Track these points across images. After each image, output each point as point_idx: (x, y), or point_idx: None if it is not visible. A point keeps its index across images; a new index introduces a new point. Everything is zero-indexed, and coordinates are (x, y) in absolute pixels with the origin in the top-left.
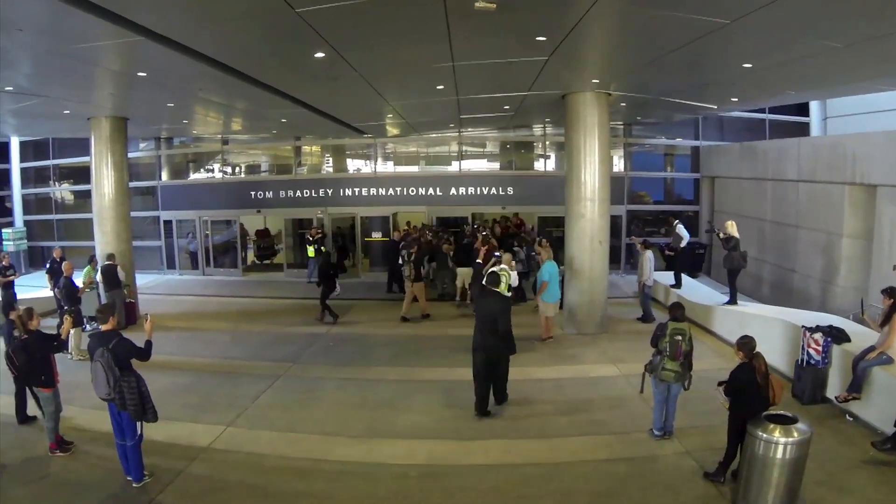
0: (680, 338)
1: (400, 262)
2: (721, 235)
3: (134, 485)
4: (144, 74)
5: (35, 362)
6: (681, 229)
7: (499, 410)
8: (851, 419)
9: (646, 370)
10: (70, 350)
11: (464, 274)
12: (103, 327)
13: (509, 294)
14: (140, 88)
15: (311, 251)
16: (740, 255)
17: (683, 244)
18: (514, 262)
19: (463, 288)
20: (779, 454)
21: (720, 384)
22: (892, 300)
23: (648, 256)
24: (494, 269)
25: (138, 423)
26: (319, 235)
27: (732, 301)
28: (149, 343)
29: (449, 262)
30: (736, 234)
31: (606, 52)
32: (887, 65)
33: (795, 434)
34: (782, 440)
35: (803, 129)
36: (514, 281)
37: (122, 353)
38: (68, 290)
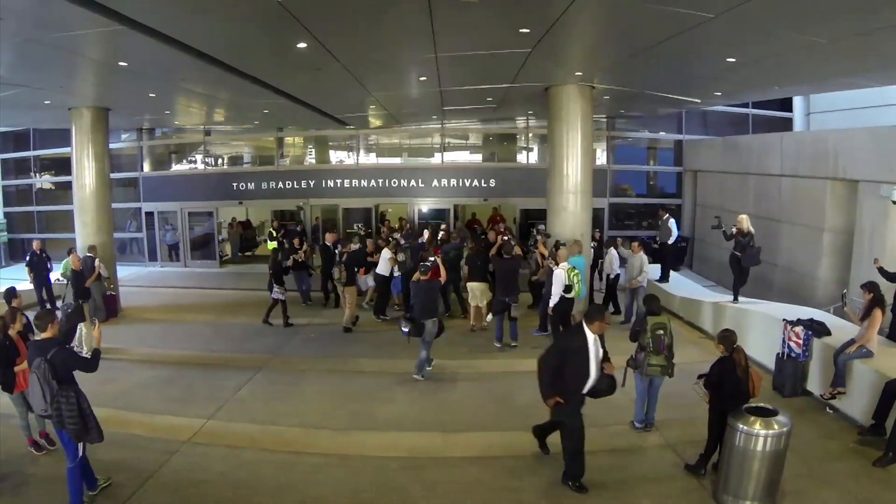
0: (662, 332)
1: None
2: (733, 231)
3: (88, 492)
4: (126, 64)
5: None
6: (672, 224)
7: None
8: (832, 412)
9: (627, 364)
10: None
11: (478, 290)
12: (42, 335)
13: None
14: (122, 78)
15: (271, 245)
16: (757, 251)
17: (672, 239)
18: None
19: (477, 308)
20: (759, 446)
21: (700, 377)
22: (872, 294)
23: (643, 258)
24: (559, 269)
25: (80, 444)
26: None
27: (735, 298)
28: (96, 352)
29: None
30: (752, 230)
31: (590, 45)
32: (871, 61)
33: (776, 426)
34: (763, 432)
35: (787, 125)
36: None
37: (61, 365)
38: (76, 283)
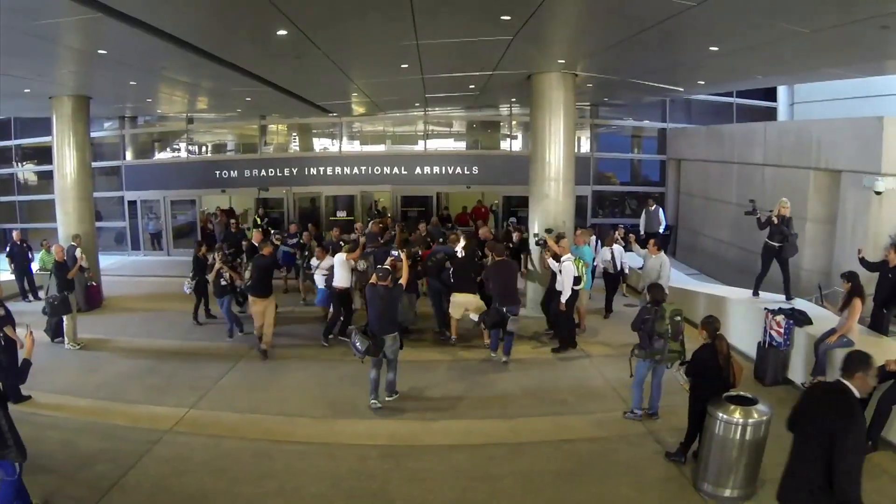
0: (679, 318)
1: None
2: (772, 219)
3: None
4: (105, 52)
5: None
6: (660, 214)
7: (461, 390)
8: None
9: (633, 354)
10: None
11: (465, 303)
12: None
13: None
14: (101, 66)
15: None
16: (795, 238)
17: (661, 229)
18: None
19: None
20: (739, 435)
21: (682, 364)
22: (851, 284)
23: (664, 259)
24: (567, 261)
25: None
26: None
27: (789, 297)
28: (26, 363)
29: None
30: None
31: (572, 33)
32: (852, 51)
33: (755, 415)
34: (742, 421)
35: (770, 114)
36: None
37: None
38: (59, 275)
